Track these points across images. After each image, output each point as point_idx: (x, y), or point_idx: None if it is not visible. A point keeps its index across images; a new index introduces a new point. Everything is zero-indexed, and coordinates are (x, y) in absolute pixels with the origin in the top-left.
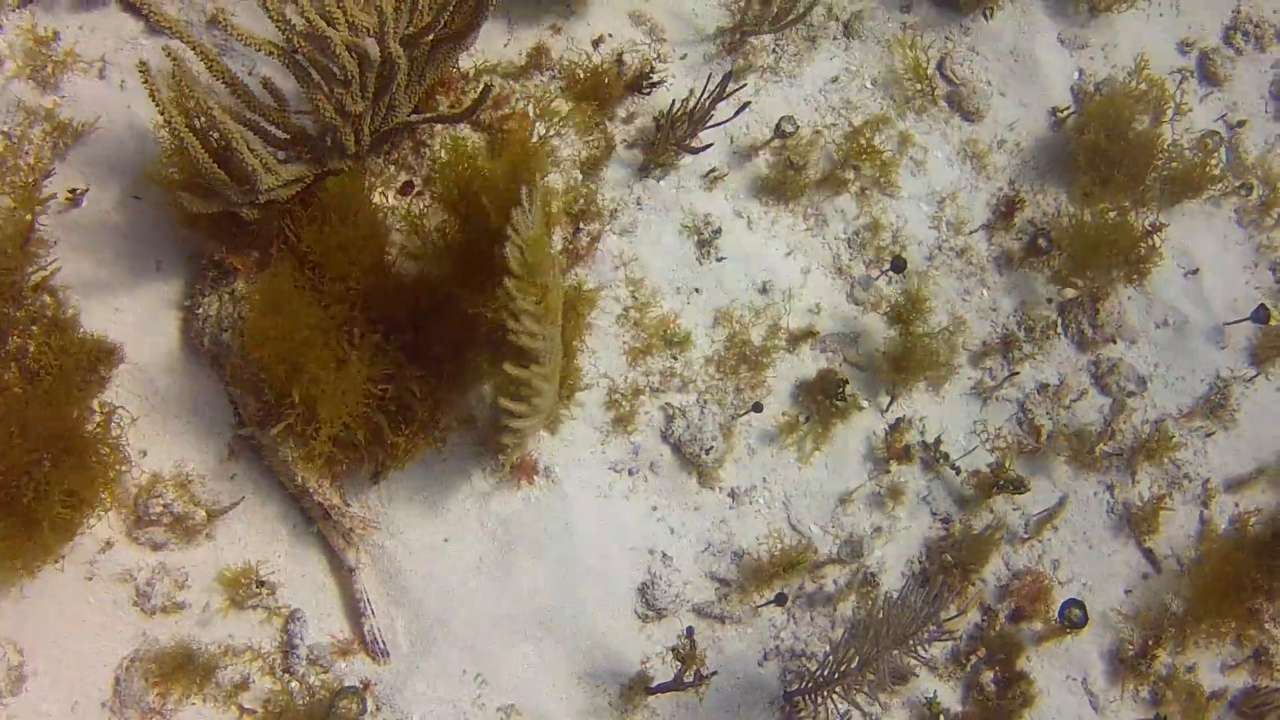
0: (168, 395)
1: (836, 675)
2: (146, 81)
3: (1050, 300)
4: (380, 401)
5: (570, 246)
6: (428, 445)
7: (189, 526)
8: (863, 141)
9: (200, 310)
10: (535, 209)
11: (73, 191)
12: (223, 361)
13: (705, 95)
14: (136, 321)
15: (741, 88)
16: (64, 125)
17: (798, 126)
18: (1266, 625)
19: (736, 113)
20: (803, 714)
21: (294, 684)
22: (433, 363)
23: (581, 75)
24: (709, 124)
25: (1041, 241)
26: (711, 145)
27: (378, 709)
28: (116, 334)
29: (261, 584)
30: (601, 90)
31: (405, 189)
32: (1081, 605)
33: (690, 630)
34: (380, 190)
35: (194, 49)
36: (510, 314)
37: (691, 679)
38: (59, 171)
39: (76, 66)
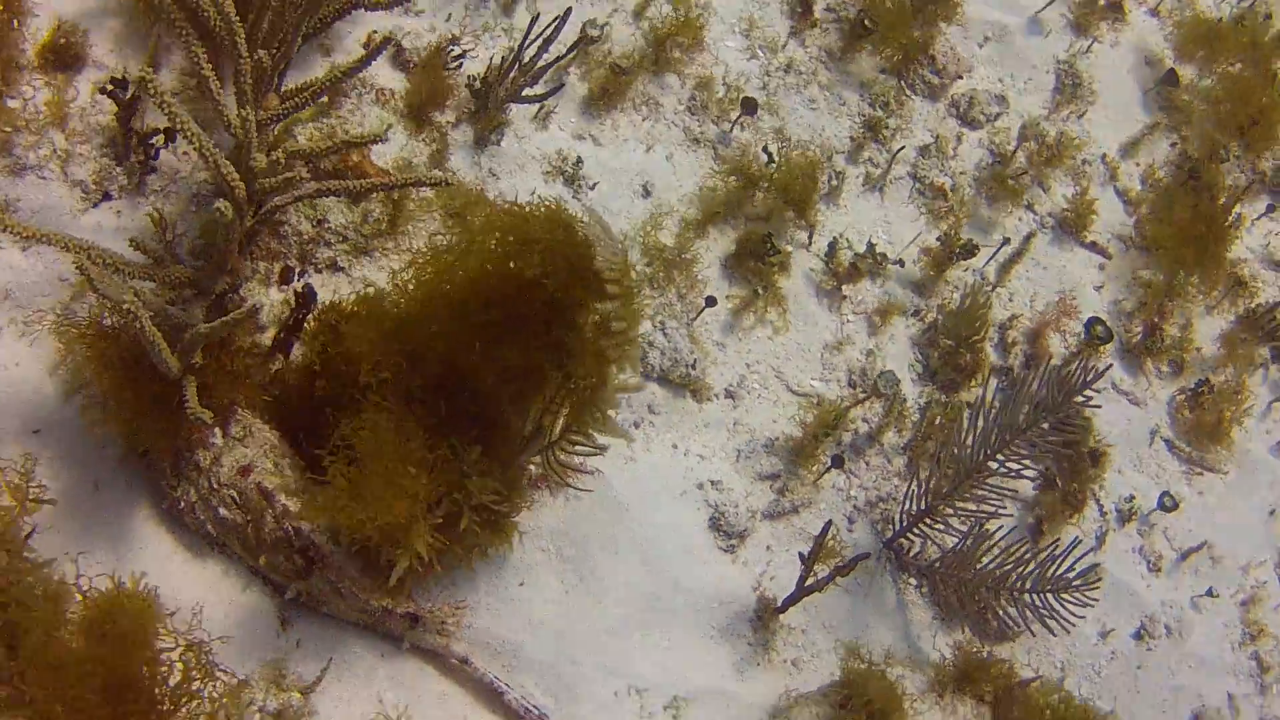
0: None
1: (926, 501)
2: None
3: (884, 71)
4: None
5: None
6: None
7: (293, 714)
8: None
9: (183, 501)
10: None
11: None
12: (232, 538)
13: (530, 40)
14: (122, 553)
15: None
16: None
17: (602, 28)
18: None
19: (573, 47)
20: (912, 552)
21: None
22: (478, 426)
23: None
24: (544, 67)
25: (867, 22)
26: (562, 87)
27: None
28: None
29: None
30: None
31: (285, 275)
32: (1102, 320)
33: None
34: (260, 290)
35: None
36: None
37: (825, 576)
38: None
39: None
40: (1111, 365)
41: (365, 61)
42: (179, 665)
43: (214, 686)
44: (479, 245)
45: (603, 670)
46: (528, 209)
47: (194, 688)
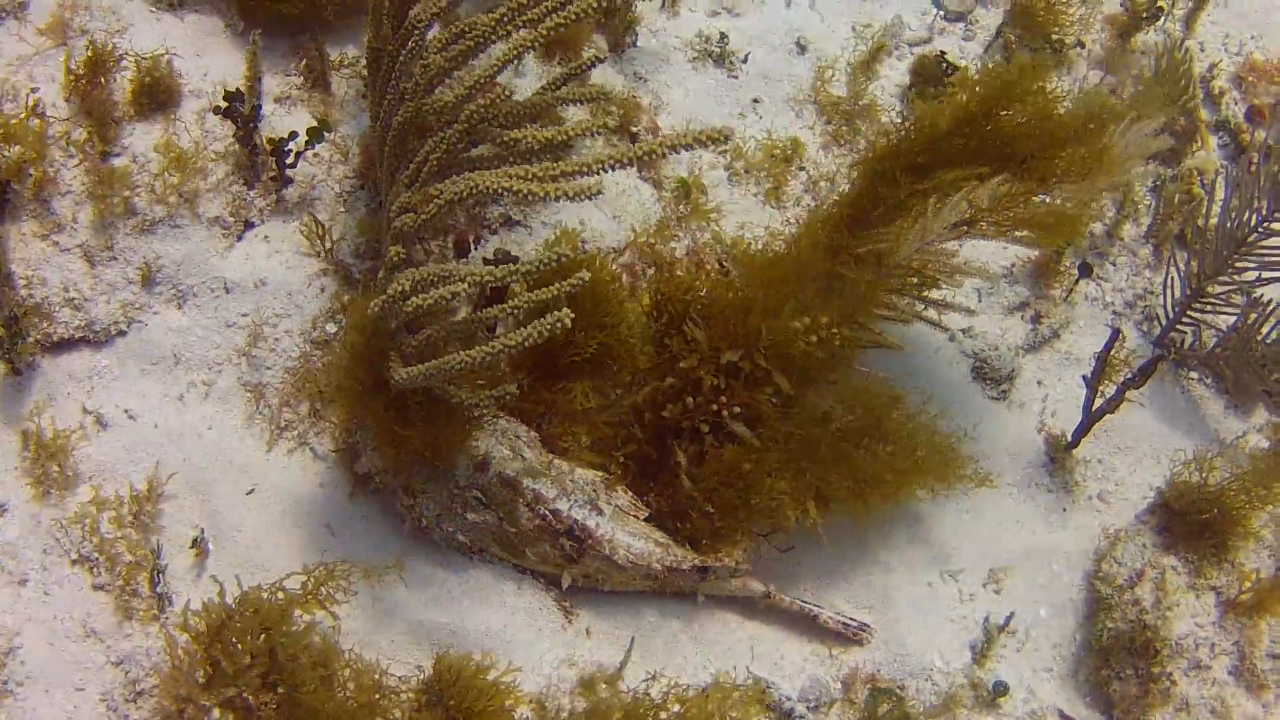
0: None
1: (1191, 285)
2: None
3: None
4: None
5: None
6: None
7: (604, 708)
8: None
9: (424, 518)
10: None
11: (195, 542)
12: (488, 541)
13: None
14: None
15: None
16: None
17: None
18: None
19: None
20: (1186, 344)
21: None
22: None
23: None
24: None
25: None
26: None
27: (902, 687)
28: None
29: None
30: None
31: (461, 246)
32: None
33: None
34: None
35: None
36: None
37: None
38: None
39: None
40: None
41: None
42: None
43: None
44: None
45: (910, 563)
46: None
47: None
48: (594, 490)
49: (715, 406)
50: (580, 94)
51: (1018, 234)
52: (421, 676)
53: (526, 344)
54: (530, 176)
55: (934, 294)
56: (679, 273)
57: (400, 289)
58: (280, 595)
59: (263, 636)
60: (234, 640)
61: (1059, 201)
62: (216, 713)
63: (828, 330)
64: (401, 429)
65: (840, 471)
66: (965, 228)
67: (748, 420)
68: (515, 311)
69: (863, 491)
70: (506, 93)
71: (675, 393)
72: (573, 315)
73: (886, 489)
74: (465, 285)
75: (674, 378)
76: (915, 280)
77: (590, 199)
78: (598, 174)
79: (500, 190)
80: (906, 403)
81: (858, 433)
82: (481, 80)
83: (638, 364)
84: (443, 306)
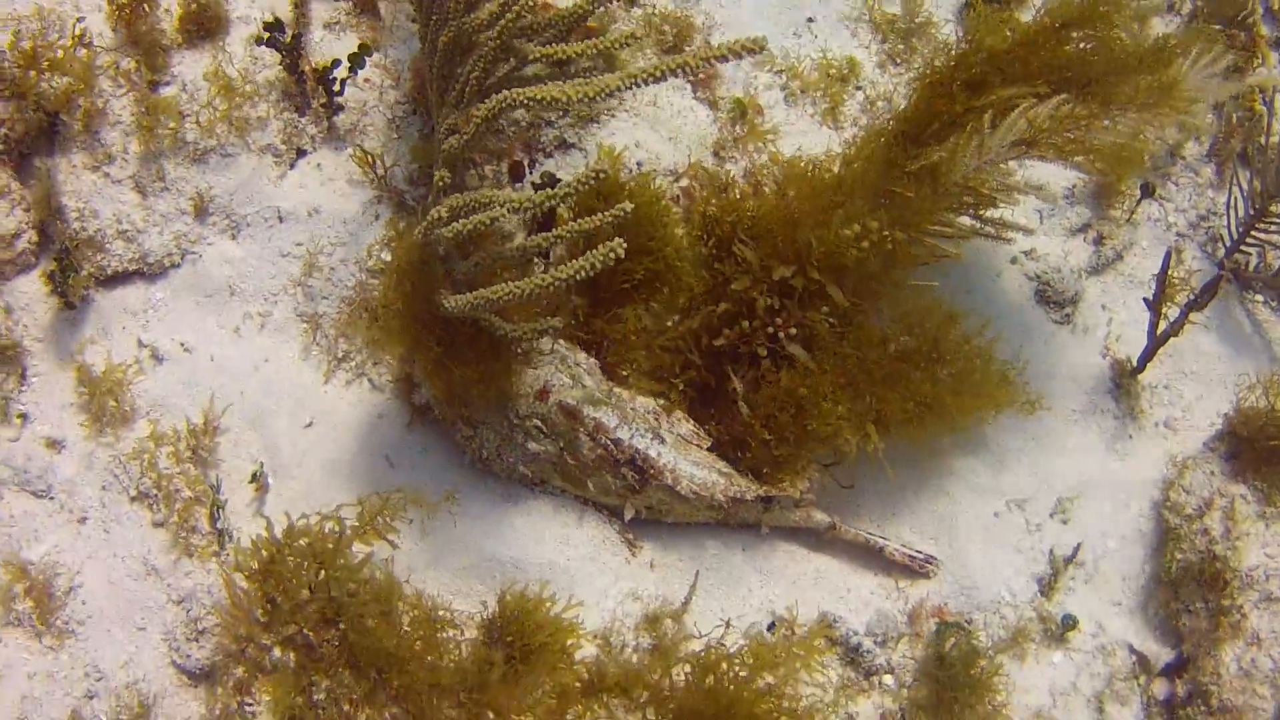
0: None
1: (1256, 204)
2: None
3: None
4: None
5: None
6: None
7: (668, 644)
8: None
9: (485, 449)
10: None
11: (255, 477)
12: (550, 472)
13: None
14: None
15: None
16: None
17: None
18: None
19: None
20: (1251, 266)
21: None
22: None
23: None
24: None
25: None
26: None
27: (969, 621)
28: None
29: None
30: None
31: (516, 171)
32: None
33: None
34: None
35: None
36: None
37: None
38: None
39: None
40: None
41: None
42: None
43: None
44: None
45: (975, 492)
46: None
47: None
48: (655, 419)
49: (771, 329)
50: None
51: (1078, 159)
52: (485, 612)
53: (578, 276)
54: (557, 88)
55: (991, 213)
56: (726, 194)
57: (438, 215)
58: (334, 526)
59: (319, 571)
60: (289, 576)
61: (1122, 128)
62: (278, 651)
63: (879, 235)
64: (450, 361)
65: (898, 394)
66: (1024, 147)
67: (805, 343)
68: (564, 238)
69: (922, 415)
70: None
71: (730, 318)
72: (625, 244)
73: (945, 412)
74: (503, 210)
75: (727, 302)
76: (971, 199)
77: (613, 98)
78: (628, 86)
79: (526, 102)
80: (963, 323)
81: (915, 354)
82: None
83: (689, 287)
84: (484, 231)
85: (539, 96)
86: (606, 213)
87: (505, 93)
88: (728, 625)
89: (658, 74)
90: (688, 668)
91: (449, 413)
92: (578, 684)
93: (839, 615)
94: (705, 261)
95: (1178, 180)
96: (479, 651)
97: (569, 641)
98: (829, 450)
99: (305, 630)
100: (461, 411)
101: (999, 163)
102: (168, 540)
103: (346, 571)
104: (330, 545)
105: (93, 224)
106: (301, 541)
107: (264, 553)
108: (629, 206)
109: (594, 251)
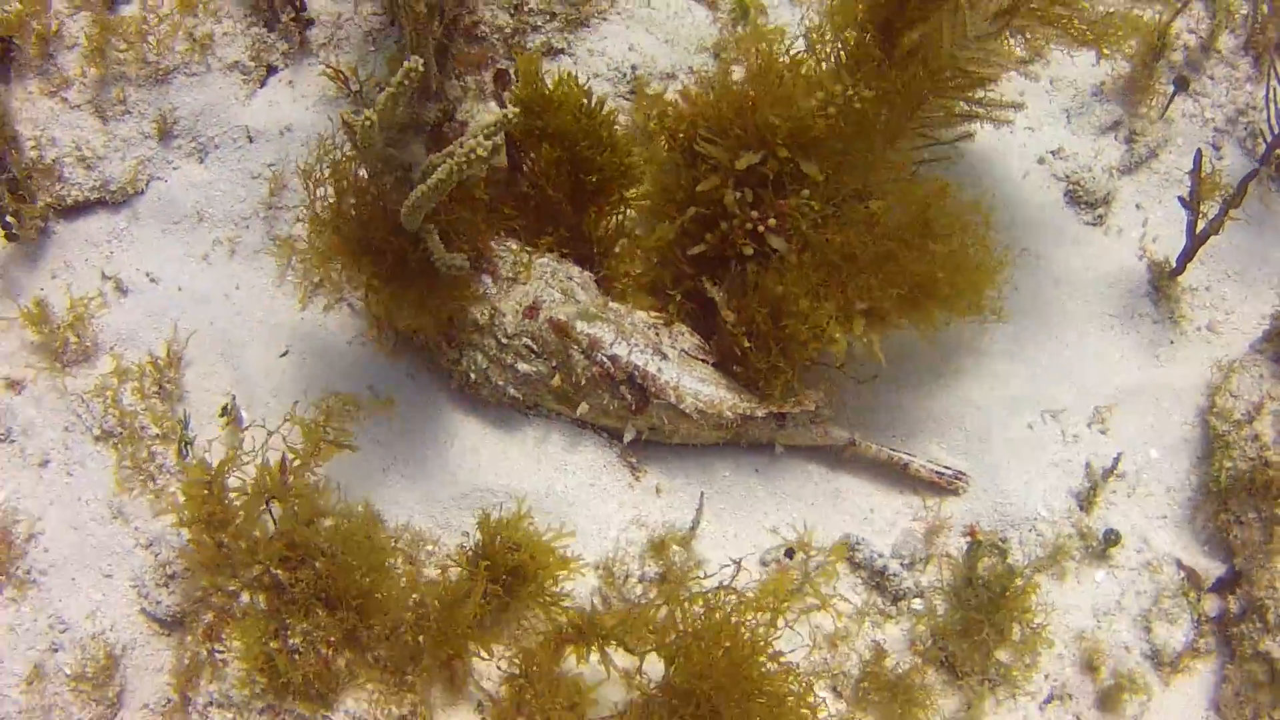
0: None
1: None
2: None
3: None
4: None
5: None
6: None
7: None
8: None
9: (472, 372)
10: None
11: (225, 410)
12: (543, 394)
13: None
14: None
15: None
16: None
17: None
18: None
19: None
20: None
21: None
22: None
23: None
24: None
25: None
26: None
27: (1004, 539)
28: None
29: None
30: None
31: (501, 79)
32: None
33: None
34: (479, 106)
35: None
36: None
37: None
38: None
39: None
40: None
41: None
42: None
43: None
44: None
45: (1005, 404)
46: None
47: None
48: (655, 333)
49: (749, 225)
50: None
51: (1071, 30)
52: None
53: (480, 152)
54: None
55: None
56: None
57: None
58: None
59: (267, 504)
60: (232, 515)
61: None
62: (246, 595)
63: (844, 97)
64: (397, 286)
65: (887, 276)
66: (1007, 17)
67: (788, 235)
68: (455, 161)
69: (917, 299)
70: None
71: (707, 222)
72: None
73: (942, 294)
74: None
75: (697, 205)
76: (962, 81)
77: None
78: None
79: None
80: (954, 194)
81: (905, 229)
82: None
83: (666, 188)
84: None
85: None
86: (485, 137)
87: None
88: (738, 566)
89: None
90: (698, 607)
91: (432, 334)
92: (571, 627)
93: (862, 537)
94: (676, 169)
95: (1213, 74)
96: (457, 585)
97: (559, 573)
98: (815, 352)
99: (273, 570)
100: (443, 330)
101: (986, 39)
102: (134, 481)
103: (302, 502)
104: (276, 475)
105: (51, 152)
106: (241, 472)
107: (197, 491)
108: (513, 112)
109: (486, 124)
